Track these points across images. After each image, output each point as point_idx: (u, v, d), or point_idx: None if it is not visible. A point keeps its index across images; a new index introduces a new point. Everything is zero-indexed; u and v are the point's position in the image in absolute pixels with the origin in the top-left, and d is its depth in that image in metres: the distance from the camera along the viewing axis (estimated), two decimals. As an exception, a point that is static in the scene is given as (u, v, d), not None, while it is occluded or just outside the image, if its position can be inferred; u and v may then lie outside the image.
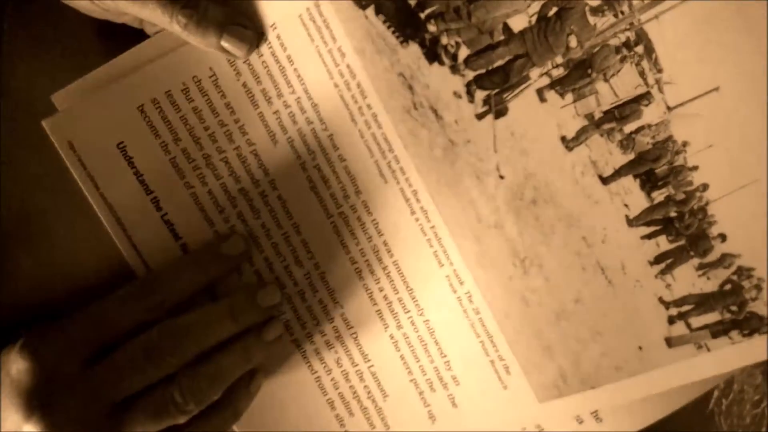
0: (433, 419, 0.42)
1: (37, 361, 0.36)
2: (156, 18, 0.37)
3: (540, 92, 0.35)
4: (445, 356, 0.41)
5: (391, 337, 0.41)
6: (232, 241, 0.41)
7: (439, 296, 0.40)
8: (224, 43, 0.38)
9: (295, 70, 0.39)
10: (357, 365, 0.42)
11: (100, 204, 0.41)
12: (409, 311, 0.41)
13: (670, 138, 0.34)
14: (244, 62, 0.40)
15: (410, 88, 0.37)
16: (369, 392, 0.42)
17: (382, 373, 0.42)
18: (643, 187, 0.34)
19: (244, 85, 0.40)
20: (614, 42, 0.33)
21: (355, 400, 0.43)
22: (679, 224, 0.34)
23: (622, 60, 0.33)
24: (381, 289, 0.41)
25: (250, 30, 0.39)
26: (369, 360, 0.42)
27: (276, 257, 0.42)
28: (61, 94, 0.41)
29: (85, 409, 0.35)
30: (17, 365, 0.36)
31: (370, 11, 0.37)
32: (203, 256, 0.40)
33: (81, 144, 0.40)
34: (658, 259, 0.35)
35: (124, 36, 0.41)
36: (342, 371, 0.42)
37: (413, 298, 0.41)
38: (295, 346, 0.43)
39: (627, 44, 0.33)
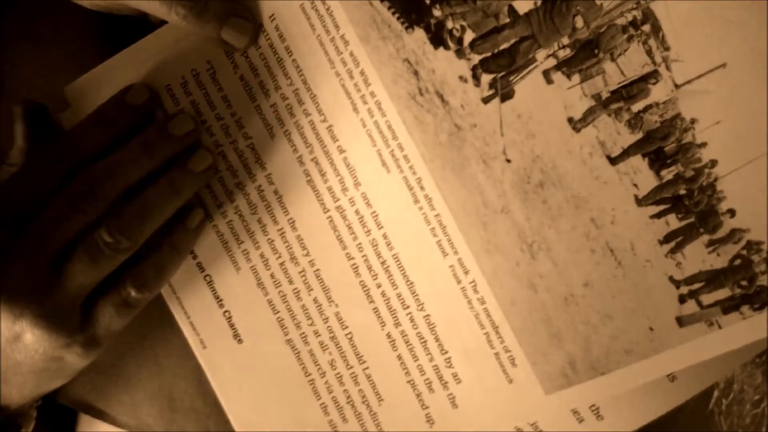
0: (432, 422, 0.41)
1: None
2: (155, 9, 0.37)
3: (546, 74, 0.35)
4: (446, 353, 0.40)
5: (388, 336, 0.40)
6: (179, 120, 0.40)
7: (442, 288, 0.39)
8: (224, 35, 0.38)
9: (294, 61, 0.39)
10: (351, 367, 0.41)
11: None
12: (408, 307, 0.40)
13: (678, 115, 0.34)
14: (242, 55, 0.39)
15: (415, 73, 0.37)
16: (363, 397, 0.41)
17: (378, 375, 0.41)
18: (651, 165, 0.35)
19: (242, 78, 0.40)
20: (621, 21, 0.34)
21: (349, 405, 0.41)
22: (689, 201, 0.34)
23: (629, 39, 0.34)
24: (378, 286, 0.40)
25: (251, 22, 0.38)
26: (364, 362, 0.41)
27: (272, 254, 0.41)
28: (73, 87, 0.40)
29: (25, 269, 0.35)
30: None
31: (375, -3, 0.37)
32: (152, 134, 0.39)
33: None
34: (667, 238, 0.35)
35: (123, 36, 0.40)
36: (336, 374, 0.41)
37: (413, 293, 0.40)
38: (290, 348, 0.41)
39: (634, 23, 0.33)
